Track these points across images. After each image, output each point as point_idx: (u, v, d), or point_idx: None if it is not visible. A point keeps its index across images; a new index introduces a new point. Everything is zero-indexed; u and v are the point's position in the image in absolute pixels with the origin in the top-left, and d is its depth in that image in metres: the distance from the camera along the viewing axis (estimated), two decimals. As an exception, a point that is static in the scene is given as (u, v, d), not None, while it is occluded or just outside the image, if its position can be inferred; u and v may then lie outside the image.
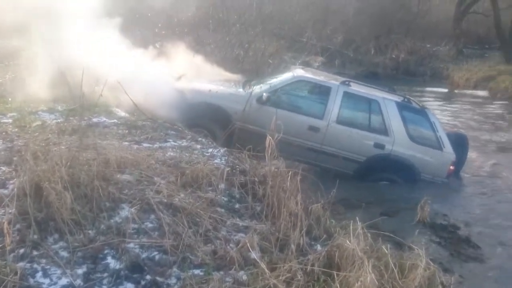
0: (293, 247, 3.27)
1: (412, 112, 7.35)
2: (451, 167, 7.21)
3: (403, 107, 7.26)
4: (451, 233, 6.02)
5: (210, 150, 5.15)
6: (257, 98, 6.90)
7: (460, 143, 7.48)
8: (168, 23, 10.52)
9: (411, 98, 7.80)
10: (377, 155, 7.11)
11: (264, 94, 6.92)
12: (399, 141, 7.10)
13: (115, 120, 5.78)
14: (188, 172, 4.20)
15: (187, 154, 4.77)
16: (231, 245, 3.53)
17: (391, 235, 3.98)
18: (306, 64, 20.43)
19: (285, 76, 7.57)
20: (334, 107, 7.09)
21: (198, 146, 5.26)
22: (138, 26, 8.77)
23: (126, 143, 4.92)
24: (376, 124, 7.20)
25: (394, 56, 22.25)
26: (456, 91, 18.88)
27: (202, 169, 4.22)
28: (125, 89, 5.62)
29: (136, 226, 3.51)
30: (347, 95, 7.17)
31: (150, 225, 3.57)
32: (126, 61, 6.54)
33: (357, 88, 7.45)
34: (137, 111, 5.92)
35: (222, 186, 4.26)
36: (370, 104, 7.23)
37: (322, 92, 7.29)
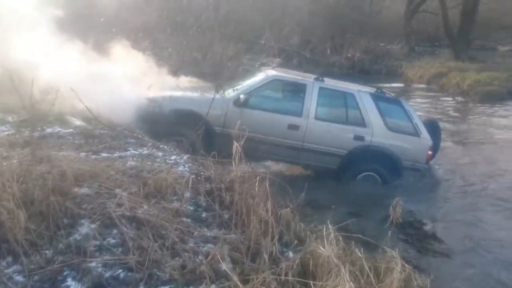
0: (265, 256, 3.14)
1: (387, 102, 7.50)
2: (429, 152, 7.39)
3: (377, 98, 7.41)
4: (419, 231, 6.09)
5: (173, 157, 4.96)
6: (234, 101, 6.86)
7: (433, 129, 7.64)
8: (123, 27, 10.19)
9: (384, 90, 7.99)
10: (357, 147, 7.20)
11: (241, 96, 6.84)
12: (377, 132, 7.21)
13: (71, 130, 5.49)
14: (151, 182, 4.01)
15: (148, 163, 4.56)
16: (200, 257, 3.36)
17: (363, 237, 3.91)
18: (263, 66, 20.46)
19: (259, 77, 7.48)
20: (312, 103, 7.10)
21: (160, 154, 5.06)
22: (92, 31, 8.43)
23: (83, 153, 4.66)
24: (353, 117, 7.27)
25: (349, 55, 22.54)
26: (411, 87, 19.33)
27: (166, 178, 4.03)
28: (80, 97, 5.35)
29: (97, 243, 3.29)
30: (323, 91, 7.19)
31: (112, 241, 3.36)
32: (79, 67, 6.24)
33: (331, 82, 7.52)
34: (94, 119, 5.64)
35: (187, 195, 4.09)
36: (346, 98, 7.29)
37: (298, 89, 7.30)
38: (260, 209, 3.74)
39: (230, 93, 7.15)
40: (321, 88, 7.18)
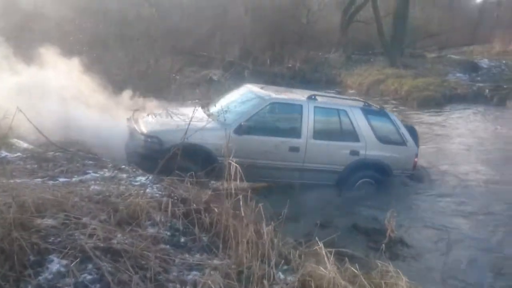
0: (265, 283, 2.91)
1: (375, 115, 7.70)
2: (416, 159, 7.80)
3: (367, 111, 7.62)
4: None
5: (139, 178, 4.64)
6: (235, 130, 6.73)
7: (411, 135, 7.92)
8: (65, 40, 9.63)
9: (369, 102, 8.15)
10: (353, 162, 7.41)
11: (242, 123, 6.79)
12: (370, 145, 7.45)
13: (19, 154, 5.03)
14: (122, 207, 3.69)
15: (114, 186, 4.22)
16: (188, 287, 3.10)
17: (353, 252, 3.80)
18: (207, 78, 20.29)
19: (255, 101, 7.36)
20: (309, 123, 7.19)
21: (124, 175, 4.73)
22: (34, 44, 7.88)
23: (39, 179, 4.25)
24: (348, 133, 7.44)
25: (290, 65, 22.90)
26: (351, 94, 19.81)
27: (138, 202, 3.73)
28: (26, 117, 4.91)
29: (72, 280, 2.94)
30: (318, 109, 7.31)
31: (89, 277, 3.01)
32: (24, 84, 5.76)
33: (324, 100, 7.73)
34: (45, 141, 5.20)
35: (162, 219, 3.81)
36: (339, 114, 7.46)
37: (294, 110, 7.33)
38: (244, 229, 3.53)
39: (215, 112, 7.15)
40: (316, 107, 7.29)
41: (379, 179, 7.62)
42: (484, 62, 27.13)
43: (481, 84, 18.10)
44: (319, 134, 7.27)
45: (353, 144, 7.40)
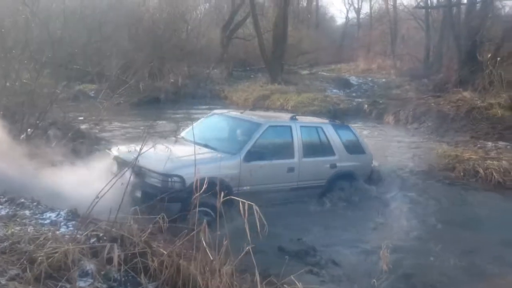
0: None
1: (342, 129, 8.41)
2: (372, 165, 8.65)
3: (336, 126, 8.28)
4: (316, 258, 5.80)
5: (47, 215, 3.72)
6: (244, 157, 6.74)
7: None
8: None
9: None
10: (333, 175, 7.90)
11: (251, 150, 6.84)
12: (342, 157, 8.01)
13: None
14: (41, 257, 2.82)
15: (18, 228, 3.29)
16: None
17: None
18: (82, 93, 18.67)
19: (250, 126, 7.40)
20: (298, 143, 7.47)
21: (27, 212, 3.75)
22: None
23: None
24: (326, 148, 7.93)
25: (173, 80, 22.16)
26: (238, 109, 19.71)
27: (63, 248, 2.89)
28: None
29: None
30: (303, 129, 7.66)
31: None
32: None
33: (303, 119, 8.26)
34: None
35: (91, 267, 3.00)
36: (318, 132, 7.96)
37: (285, 132, 7.56)
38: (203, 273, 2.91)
39: (205, 141, 7.08)
40: (301, 127, 7.64)
41: (349, 187, 8.04)
42: (353, 79, 29.25)
43: (359, 100, 19.24)
44: (307, 152, 7.58)
45: (331, 158, 7.89)
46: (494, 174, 8.71)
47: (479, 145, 11.41)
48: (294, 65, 32.62)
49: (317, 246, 6.16)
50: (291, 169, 7.32)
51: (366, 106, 17.42)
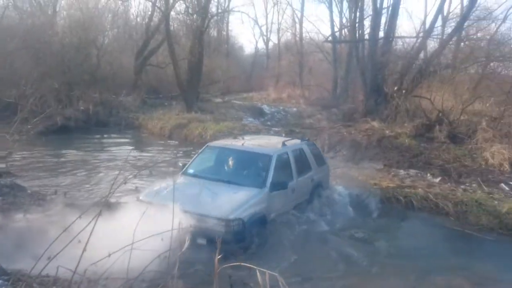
0: None
1: (311, 145, 9.62)
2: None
3: (308, 144, 9.51)
4: None
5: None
6: (270, 188, 7.40)
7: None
8: None
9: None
10: (312, 188, 8.90)
11: (273, 181, 7.48)
12: (315, 170, 9.12)
13: None
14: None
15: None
16: None
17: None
18: None
19: (260, 158, 8.08)
20: (293, 166, 8.35)
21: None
22: None
23: None
24: (306, 165, 8.91)
25: (83, 108, 21.12)
26: (154, 138, 19.24)
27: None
28: None
29: None
30: (293, 152, 8.58)
31: None
32: None
33: (292, 143, 9.08)
34: None
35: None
36: (300, 152, 8.94)
37: (285, 158, 8.30)
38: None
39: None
40: (292, 151, 8.55)
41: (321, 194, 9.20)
42: (266, 108, 29.94)
43: (276, 128, 19.65)
44: (299, 172, 8.44)
45: (311, 173, 8.89)
46: (413, 201, 9.30)
47: (392, 173, 12.15)
48: (207, 93, 32.74)
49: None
50: (292, 190, 8.01)
51: (283, 135, 17.83)
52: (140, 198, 7.11)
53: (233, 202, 6.80)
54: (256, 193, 7.20)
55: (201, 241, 6.17)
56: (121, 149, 16.17)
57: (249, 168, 8.06)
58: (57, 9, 30.61)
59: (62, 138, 17.81)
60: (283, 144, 8.53)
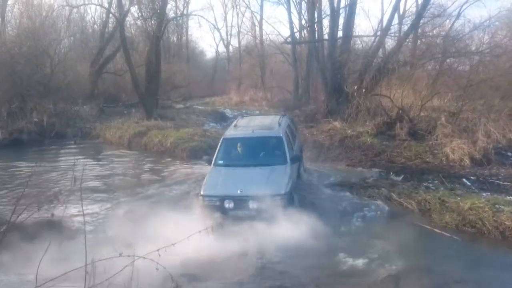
0: None
1: (290, 118, 11.79)
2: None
3: (288, 117, 11.46)
4: None
5: None
6: (289, 164, 9.03)
7: None
8: None
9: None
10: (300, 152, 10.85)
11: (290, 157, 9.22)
12: (298, 137, 11.42)
13: None
14: None
15: None
16: None
17: None
18: None
19: (279, 141, 9.46)
20: (291, 139, 10.23)
21: None
22: None
23: None
24: (293, 135, 10.93)
25: (37, 119, 20.23)
26: (112, 147, 18.57)
27: None
28: None
29: None
30: (287, 128, 10.46)
31: None
32: None
33: (281, 120, 10.56)
34: None
35: None
36: (289, 126, 10.85)
37: (286, 135, 9.93)
38: None
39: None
40: (287, 127, 10.39)
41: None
42: (228, 112, 29.63)
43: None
44: (293, 144, 10.23)
45: (297, 141, 10.93)
46: (379, 201, 9.16)
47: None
48: (168, 99, 32.15)
49: None
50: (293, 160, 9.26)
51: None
52: (202, 193, 8.36)
53: (278, 180, 8.37)
54: (284, 168, 8.78)
55: (266, 214, 7.67)
56: (68, 160, 15.39)
57: (265, 150, 9.49)
58: (7, 18, 29.50)
59: (14, 151, 17.00)
60: (279, 124, 10.06)
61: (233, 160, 9.30)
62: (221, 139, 9.90)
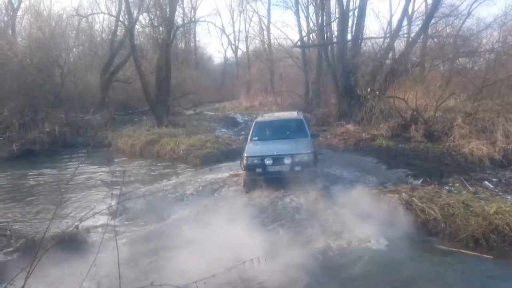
0: None
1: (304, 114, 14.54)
2: None
3: (303, 113, 13.85)
4: None
5: None
6: (310, 137, 11.89)
7: None
8: None
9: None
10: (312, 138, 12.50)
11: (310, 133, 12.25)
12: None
13: None
14: None
15: None
16: None
17: None
18: None
19: (299, 121, 12.44)
20: (308, 124, 13.14)
21: None
22: None
23: None
24: (308, 123, 13.83)
25: (48, 129, 20.23)
26: (124, 155, 18.49)
27: None
28: None
29: None
30: (303, 116, 13.22)
31: None
32: None
33: (299, 113, 13.56)
34: None
35: None
36: (305, 116, 13.62)
37: (305, 120, 12.88)
38: None
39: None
40: (303, 116, 13.29)
41: None
42: (239, 117, 29.51)
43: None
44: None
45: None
46: (399, 208, 8.90)
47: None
48: (178, 106, 32.10)
49: None
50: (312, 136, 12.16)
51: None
52: (246, 155, 10.69)
53: (304, 145, 10.92)
54: (307, 140, 11.39)
55: (297, 167, 10.31)
56: (86, 171, 15.28)
57: (290, 129, 12.03)
58: (18, 30, 29.70)
59: (27, 162, 16.97)
60: (298, 113, 13.24)
61: (265, 136, 11.94)
62: (253, 122, 12.58)
